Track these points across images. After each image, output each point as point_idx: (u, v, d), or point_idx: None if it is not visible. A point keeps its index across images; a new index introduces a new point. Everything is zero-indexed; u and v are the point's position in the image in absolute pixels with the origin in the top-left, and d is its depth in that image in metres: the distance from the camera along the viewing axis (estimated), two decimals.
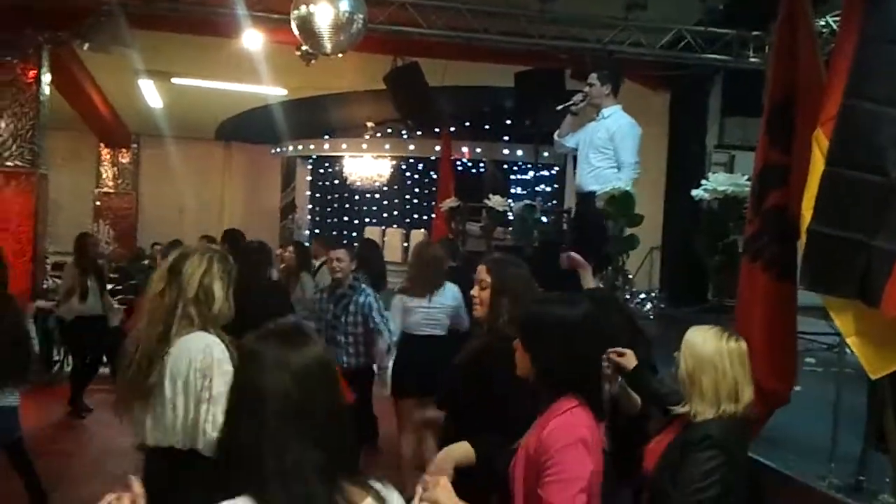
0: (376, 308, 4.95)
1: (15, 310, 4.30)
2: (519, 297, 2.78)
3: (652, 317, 6.02)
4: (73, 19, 6.87)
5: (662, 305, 6.39)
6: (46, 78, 7.11)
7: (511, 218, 7.02)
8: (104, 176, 14.20)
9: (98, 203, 14.09)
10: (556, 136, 5.94)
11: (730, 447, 2.26)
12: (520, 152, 12.68)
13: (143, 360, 2.44)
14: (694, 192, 4.91)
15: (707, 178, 5.07)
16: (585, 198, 5.61)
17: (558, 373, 2.09)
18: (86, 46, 7.21)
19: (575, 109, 5.71)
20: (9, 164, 6.94)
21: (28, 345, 4.36)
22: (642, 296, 5.67)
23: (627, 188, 5.31)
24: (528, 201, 6.92)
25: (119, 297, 8.91)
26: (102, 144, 13.95)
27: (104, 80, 9.96)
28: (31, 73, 6.99)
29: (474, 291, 2.91)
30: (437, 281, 4.86)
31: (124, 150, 14.21)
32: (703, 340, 2.38)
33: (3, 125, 6.94)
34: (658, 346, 3.42)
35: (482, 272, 2.90)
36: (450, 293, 4.91)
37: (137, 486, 1.25)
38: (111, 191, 14.19)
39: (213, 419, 2.32)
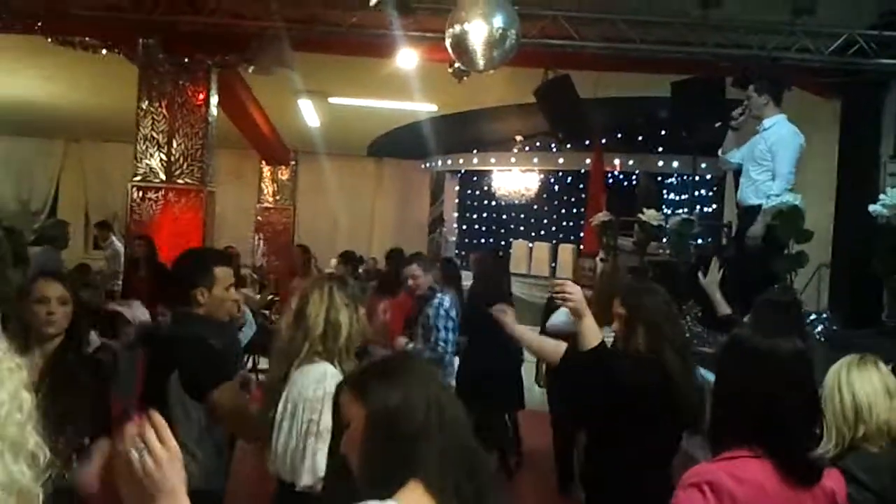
0: (440, 316, 4.88)
1: None
2: (657, 325, 2.79)
3: (823, 339, 5.68)
4: (239, 43, 7.30)
5: (834, 327, 6.01)
6: (214, 100, 7.58)
7: (666, 232, 6.84)
8: (265, 192, 14.96)
9: (259, 218, 14.84)
10: (720, 154, 5.81)
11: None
12: (675, 164, 12.32)
13: (267, 395, 2.54)
14: (872, 208, 4.62)
15: (885, 192, 4.76)
16: (748, 212, 5.42)
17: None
18: (251, 69, 7.65)
19: (735, 125, 5.57)
20: (180, 181, 7.43)
21: None
22: (812, 316, 5.35)
23: (795, 202, 5.08)
24: (684, 215, 6.71)
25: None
26: (263, 162, 14.71)
27: (266, 101, 10.49)
28: (201, 96, 7.46)
29: (613, 326, 2.89)
30: None
31: (283, 168, 14.92)
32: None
33: (175, 145, 7.43)
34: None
35: (616, 305, 2.88)
36: None
37: (158, 416, 1.32)
38: (271, 206, 14.93)
39: (312, 454, 2.36)
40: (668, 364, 2.77)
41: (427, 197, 15.89)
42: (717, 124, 5.65)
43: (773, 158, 5.25)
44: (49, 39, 7.37)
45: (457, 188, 16.05)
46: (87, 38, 7.39)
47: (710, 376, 3.94)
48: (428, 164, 15.10)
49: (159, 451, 1.27)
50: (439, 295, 4.99)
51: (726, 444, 1.92)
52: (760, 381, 1.90)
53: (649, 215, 6.93)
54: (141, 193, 7.41)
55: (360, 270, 9.83)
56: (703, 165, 10.51)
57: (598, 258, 6.30)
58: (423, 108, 10.43)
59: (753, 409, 1.89)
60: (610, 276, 5.03)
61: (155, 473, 1.27)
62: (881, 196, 4.71)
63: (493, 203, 15.11)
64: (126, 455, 1.28)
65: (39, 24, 7.07)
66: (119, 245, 9.34)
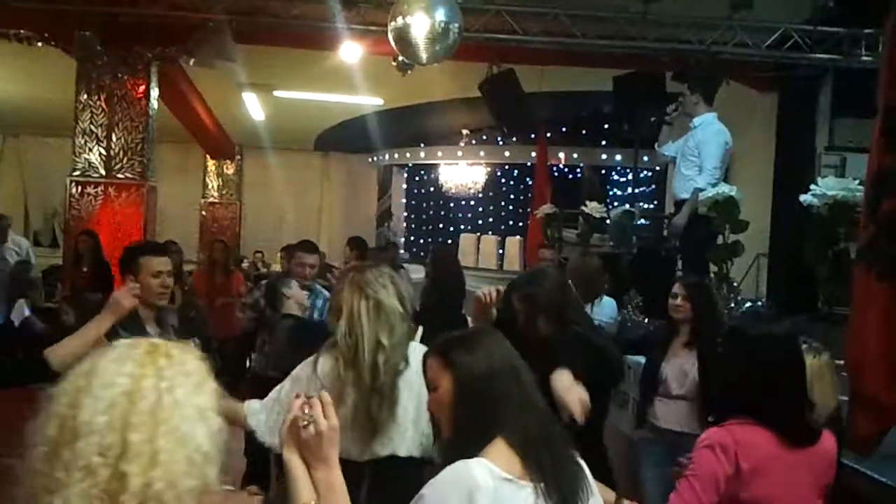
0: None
1: None
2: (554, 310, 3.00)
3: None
4: (179, 36, 7.17)
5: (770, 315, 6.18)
6: (155, 93, 7.44)
7: (609, 224, 6.94)
8: (210, 186, 14.76)
9: (204, 212, 14.64)
10: (656, 147, 5.98)
11: None
12: (618, 157, 12.50)
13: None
14: (803, 198, 4.76)
15: (817, 183, 4.90)
16: (679, 205, 5.59)
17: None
18: (192, 62, 7.52)
19: (669, 119, 5.75)
20: (120, 176, 7.29)
21: None
22: (748, 304, 5.49)
23: (731, 192, 5.21)
24: (626, 207, 6.83)
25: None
26: (208, 156, 14.50)
27: (209, 94, 10.34)
28: (141, 89, 7.31)
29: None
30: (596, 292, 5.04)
31: (228, 162, 14.74)
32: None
33: (115, 139, 7.28)
34: None
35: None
36: (608, 307, 5.20)
37: (326, 396, 1.53)
38: (216, 200, 14.74)
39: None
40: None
41: (374, 191, 15.84)
42: (652, 119, 5.79)
43: (700, 155, 5.44)
44: None
45: (404, 182, 16.04)
46: (22, 31, 7.20)
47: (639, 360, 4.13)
48: (375, 158, 15.05)
49: (322, 425, 1.49)
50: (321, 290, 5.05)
51: (730, 416, 2.24)
52: (760, 359, 2.26)
53: (592, 207, 7.03)
54: (80, 188, 7.24)
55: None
56: (645, 158, 10.68)
57: (548, 252, 6.39)
58: (368, 101, 10.39)
59: (755, 384, 2.22)
60: (580, 267, 5.16)
61: (314, 443, 1.49)
62: (812, 186, 4.85)
63: (441, 196, 15.12)
64: (294, 424, 1.50)
65: None
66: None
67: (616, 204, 11.83)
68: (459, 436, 1.77)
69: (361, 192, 15.60)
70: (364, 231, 13.50)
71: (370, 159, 15.12)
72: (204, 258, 9.55)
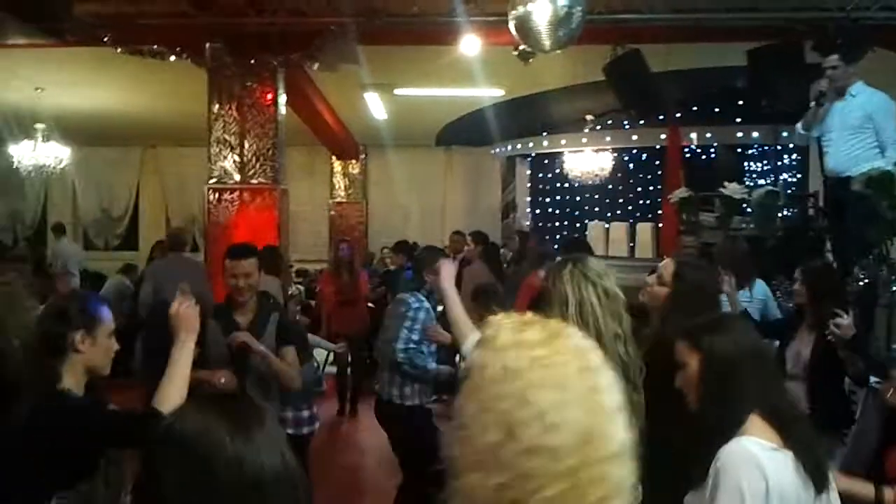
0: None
1: None
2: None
3: None
4: (303, 42, 7.39)
5: None
6: (282, 99, 7.70)
7: (750, 206, 6.65)
8: (337, 187, 15.16)
9: (332, 212, 15.04)
10: (799, 129, 5.66)
11: None
12: (755, 134, 11.93)
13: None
14: None
15: None
16: (843, 182, 5.26)
17: None
18: (316, 66, 7.73)
19: (823, 101, 5.41)
20: (253, 181, 7.59)
21: None
22: None
23: (887, 167, 4.89)
24: (769, 187, 6.52)
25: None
26: (334, 157, 14.89)
27: (332, 96, 10.60)
28: (269, 96, 7.59)
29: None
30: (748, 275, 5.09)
31: (354, 162, 15.09)
32: None
33: (247, 146, 7.58)
34: None
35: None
36: (761, 291, 5.21)
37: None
38: (343, 200, 15.12)
39: None
40: None
41: (498, 183, 15.82)
42: (811, 104, 5.48)
43: (878, 128, 5.13)
44: (118, 50, 7.61)
45: (528, 172, 15.92)
46: (154, 46, 7.60)
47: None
48: (497, 150, 15.01)
49: None
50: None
51: None
52: None
53: (731, 189, 6.74)
54: (217, 195, 7.59)
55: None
56: (785, 134, 10.17)
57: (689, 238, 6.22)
58: (489, 93, 10.37)
59: None
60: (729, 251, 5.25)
61: None
62: None
63: (566, 185, 14.89)
64: None
65: (108, 35, 7.28)
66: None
67: (754, 182, 11.34)
68: (708, 409, 2.04)
69: (484, 185, 15.62)
70: (489, 224, 13.56)
71: (492, 151, 15.10)
72: (331, 258, 9.81)
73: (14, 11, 6.27)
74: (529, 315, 1.26)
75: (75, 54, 8.17)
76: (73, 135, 11.75)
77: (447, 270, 3.43)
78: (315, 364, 6.23)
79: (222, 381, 3.90)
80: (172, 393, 2.63)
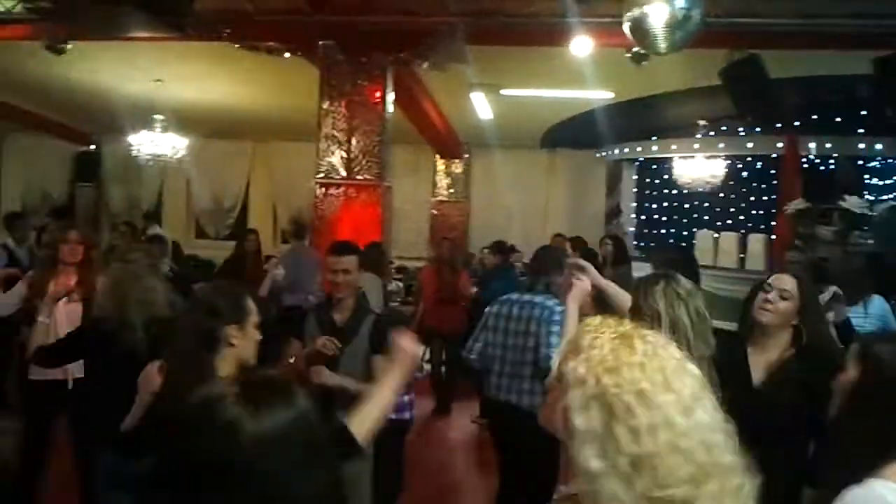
0: None
1: None
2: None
3: None
4: (414, 41, 7.51)
5: None
6: (390, 97, 7.84)
7: (871, 221, 6.38)
8: (439, 185, 15.29)
9: (434, 211, 15.19)
10: None
11: None
12: (879, 146, 11.39)
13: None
14: None
15: None
16: None
17: None
18: (425, 65, 7.84)
19: None
20: (359, 177, 7.76)
21: None
22: None
23: None
24: (893, 202, 6.24)
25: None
26: (438, 156, 15.03)
27: (439, 95, 10.71)
28: (378, 94, 7.74)
29: None
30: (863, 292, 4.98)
31: (457, 161, 15.19)
32: None
33: (354, 142, 7.75)
34: None
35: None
36: (878, 307, 5.06)
37: None
38: (445, 199, 15.24)
39: None
40: None
41: (602, 187, 15.63)
42: None
43: None
44: (236, 45, 7.91)
45: (635, 177, 15.67)
46: (270, 43, 7.87)
47: None
48: (603, 154, 14.85)
49: None
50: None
51: None
52: None
53: (851, 202, 6.49)
54: (324, 190, 7.80)
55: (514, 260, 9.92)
56: None
57: (795, 254, 6.01)
58: (597, 95, 10.27)
59: None
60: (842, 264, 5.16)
61: None
62: None
63: (675, 192, 14.60)
64: None
65: (227, 31, 7.58)
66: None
67: (876, 196, 10.84)
68: (852, 420, 1.89)
69: (589, 188, 15.46)
70: (592, 228, 13.41)
71: (598, 154, 14.94)
72: (432, 256, 9.92)
73: (139, 6, 6.59)
74: (628, 325, 1.25)
75: (194, 49, 8.53)
76: (189, 126, 12.25)
77: (580, 289, 3.37)
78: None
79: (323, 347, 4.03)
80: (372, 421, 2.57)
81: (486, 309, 5.12)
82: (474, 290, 9.07)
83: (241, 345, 2.73)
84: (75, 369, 4.56)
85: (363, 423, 2.52)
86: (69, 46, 7.81)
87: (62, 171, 16.02)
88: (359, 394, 4.03)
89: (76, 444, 4.99)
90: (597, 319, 1.28)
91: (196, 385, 2.55)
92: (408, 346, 2.58)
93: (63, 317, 5.06)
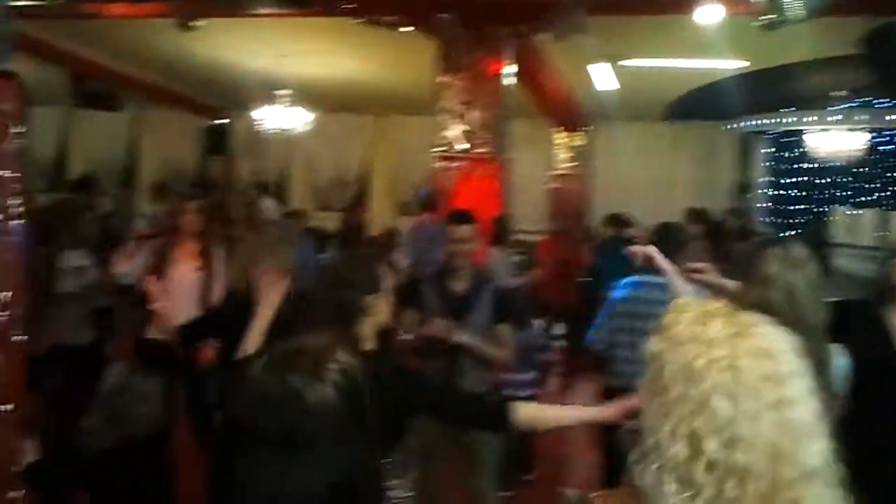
0: None
1: None
2: None
3: None
4: (534, 12, 7.46)
5: None
6: (510, 70, 7.83)
7: None
8: (559, 159, 15.15)
9: (554, 185, 15.09)
10: None
11: None
12: None
13: None
14: None
15: None
16: None
17: None
18: (545, 37, 7.78)
19: None
20: (478, 151, 7.80)
21: None
22: None
23: None
24: None
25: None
26: (557, 129, 14.90)
27: (560, 67, 10.60)
28: (496, 67, 7.74)
29: None
30: None
31: (577, 134, 15.00)
32: None
33: (473, 116, 7.79)
34: None
35: None
36: None
37: None
38: (565, 173, 15.09)
39: None
40: None
41: (731, 161, 15.14)
42: None
43: None
44: (357, 21, 8.07)
45: (766, 151, 15.10)
46: (390, 17, 7.98)
47: None
48: (732, 126, 14.35)
49: None
50: None
51: None
52: None
53: None
54: (443, 163, 7.89)
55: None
56: None
57: None
58: (726, 65, 9.93)
59: None
60: None
61: None
62: None
63: (809, 166, 14.00)
64: None
65: (348, 6, 7.74)
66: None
67: None
68: None
69: (717, 162, 15.01)
70: (719, 204, 13.06)
71: (727, 127, 14.45)
72: (551, 230, 9.91)
73: None
74: (716, 304, 1.18)
75: (316, 24, 8.77)
76: (312, 101, 12.61)
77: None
78: (541, 328, 6.31)
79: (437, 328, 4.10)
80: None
81: (609, 293, 4.96)
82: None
83: (378, 311, 2.88)
84: None
85: (530, 412, 2.71)
86: (199, 24, 8.18)
87: (194, 145, 16.81)
88: (487, 355, 4.14)
89: (194, 409, 5.34)
90: (689, 300, 1.25)
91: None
92: (617, 408, 2.65)
93: (181, 286, 5.37)
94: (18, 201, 2.93)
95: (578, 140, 15.11)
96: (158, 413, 3.52)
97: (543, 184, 15.06)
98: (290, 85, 11.85)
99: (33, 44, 9.68)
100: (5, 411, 2.84)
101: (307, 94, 12.27)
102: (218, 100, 15.40)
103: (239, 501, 1.46)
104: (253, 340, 3.12)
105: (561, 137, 15.10)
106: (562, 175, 15.09)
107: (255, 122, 12.89)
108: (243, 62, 11.17)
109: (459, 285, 4.30)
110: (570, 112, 13.51)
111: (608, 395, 4.77)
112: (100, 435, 3.40)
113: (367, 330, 2.89)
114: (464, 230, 4.26)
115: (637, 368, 4.31)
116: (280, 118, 12.65)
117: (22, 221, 2.96)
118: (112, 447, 3.38)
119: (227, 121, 16.31)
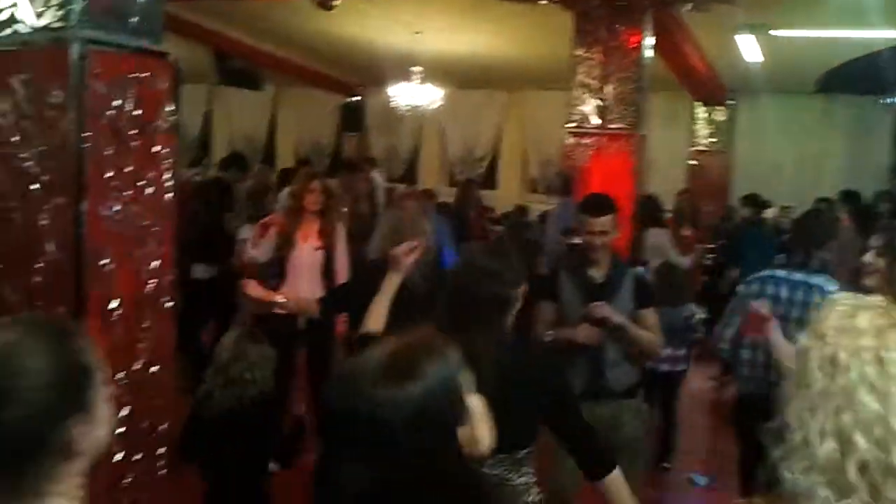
0: None
1: None
2: None
3: None
4: None
5: None
6: (649, 42, 7.64)
7: None
8: (698, 135, 14.69)
9: (692, 162, 14.66)
10: None
11: None
12: None
13: None
14: None
15: None
16: None
17: None
18: (688, 7, 7.54)
19: None
20: (612, 126, 7.67)
21: None
22: None
23: None
24: None
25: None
26: (698, 103, 14.44)
27: (702, 39, 10.26)
28: (635, 39, 7.57)
29: None
30: None
31: (719, 109, 14.50)
32: None
33: (609, 90, 7.65)
34: None
35: None
36: None
37: None
38: (705, 149, 14.63)
39: None
40: None
41: (888, 138, 14.23)
42: None
43: None
44: None
45: None
46: None
47: None
48: (888, 101, 13.47)
49: None
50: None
51: None
52: None
53: None
54: (575, 139, 7.81)
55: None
56: None
57: None
58: (886, 35, 9.31)
59: None
60: None
61: None
62: None
63: None
64: None
65: None
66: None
67: None
68: None
69: (871, 138, 14.14)
70: (873, 186, 12.32)
71: (882, 102, 13.58)
72: (673, 209, 9.65)
73: None
74: (873, 299, 1.12)
75: (451, 0, 8.82)
76: (445, 77, 12.72)
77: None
78: (691, 310, 6.22)
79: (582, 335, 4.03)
80: None
81: (740, 288, 4.55)
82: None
83: (521, 302, 2.92)
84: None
85: (615, 486, 2.82)
86: (337, 3, 8.38)
87: (330, 121, 17.28)
88: (643, 339, 4.08)
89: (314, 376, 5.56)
90: (844, 294, 1.19)
91: (493, 348, 2.73)
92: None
93: (305, 262, 5.56)
94: (171, 176, 3.11)
95: (720, 115, 14.60)
96: (270, 381, 3.71)
97: (681, 162, 14.65)
98: (424, 61, 11.99)
99: (180, 24, 10.18)
100: (155, 372, 3.04)
101: (440, 71, 12.38)
102: (354, 77, 15.76)
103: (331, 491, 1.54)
104: (376, 316, 3.18)
105: (702, 112, 14.64)
106: (702, 152, 14.64)
107: (389, 99, 13.12)
108: (379, 40, 11.38)
109: (598, 273, 4.13)
110: (711, 85, 13.06)
111: (742, 404, 4.51)
112: (216, 401, 3.63)
113: (511, 318, 2.90)
114: (603, 221, 4.03)
115: (759, 372, 4.06)
116: (413, 94, 12.83)
117: (173, 195, 3.15)
118: (225, 413, 3.60)
119: (361, 98, 16.68)
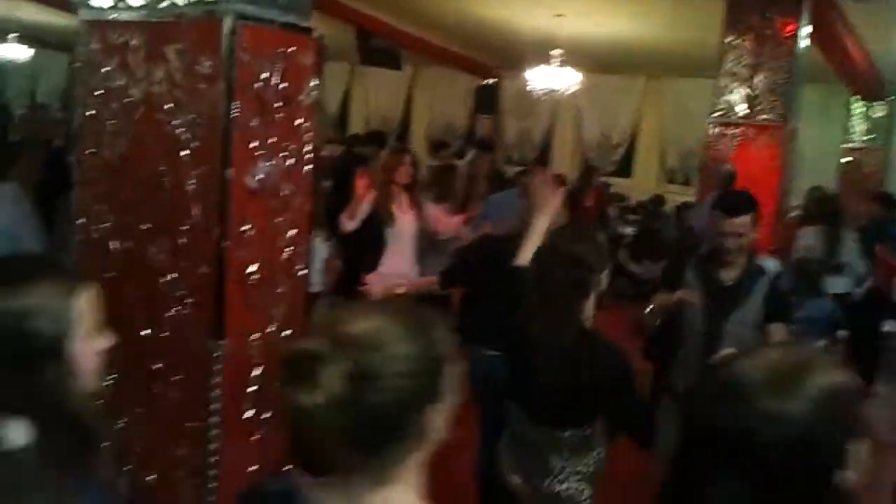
0: None
1: None
2: None
3: None
4: None
5: None
6: (805, 31, 7.29)
7: None
8: (853, 131, 13.92)
9: (844, 159, 13.92)
10: None
11: None
12: None
13: None
14: None
15: None
16: None
17: None
18: None
19: None
20: (760, 118, 7.38)
21: None
22: None
23: None
24: None
25: None
26: (854, 97, 13.68)
27: (864, 29, 9.70)
28: (790, 28, 7.24)
29: None
30: None
31: (878, 104, 13.68)
32: None
33: (758, 79, 7.37)
34: None
35: None
36: None
37: None
38: (860, 146, 13.85)
39: None
40: None
41: None
42: None
43: None
44: None
45: None
46: None
47: None
48: None
49: None
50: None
51: None
52: None
53: None
54: (718, 130, 7.56)
55: None
56: None
57: None
58: None
59: None
60: None
61: None
62: None
63: None
64: None
65: None
66: None
67: None
68: None
69: None
70: None
71: None
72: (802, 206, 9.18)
73: None
74: None
75: None
76: (583, 61, 12.53)
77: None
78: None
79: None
80: None
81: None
82: None
83: (602, 286, 2.99)
84: None
85: None
86: None
87: (465, 103, 17.37)
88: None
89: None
90: None
91: (569, 331, 2.81)
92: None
93: (405, 235, 5.66)
94: (311, 149, 3.21)
95: (878, 111, 13.79)
96: None
97: (833, 158, 13.93)
98: (563, 44, 11.85)
99: (326, 2, 10.44)
100: (287, 336, 3.16)
101: (579, 55, 12.20)
102: (491, 59, 15.76)
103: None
104: (527, 254, 3.32)
105: (858, 107, 13.86)
106: (857, 149, 13.87)
107: (526, 82, 13.05)
108: (519, 22, 11.32)
109: (728, 275, 3.89)
110: (870, 79, 12.33)
111: None
112: None
113: (591, 304, 2.96)
114: (740, 222, 3.78)
115: None
116: (550, 78, 12.71)
117: (312, 168, 3.24)
118: None
119: (497, 80, 16.67)
